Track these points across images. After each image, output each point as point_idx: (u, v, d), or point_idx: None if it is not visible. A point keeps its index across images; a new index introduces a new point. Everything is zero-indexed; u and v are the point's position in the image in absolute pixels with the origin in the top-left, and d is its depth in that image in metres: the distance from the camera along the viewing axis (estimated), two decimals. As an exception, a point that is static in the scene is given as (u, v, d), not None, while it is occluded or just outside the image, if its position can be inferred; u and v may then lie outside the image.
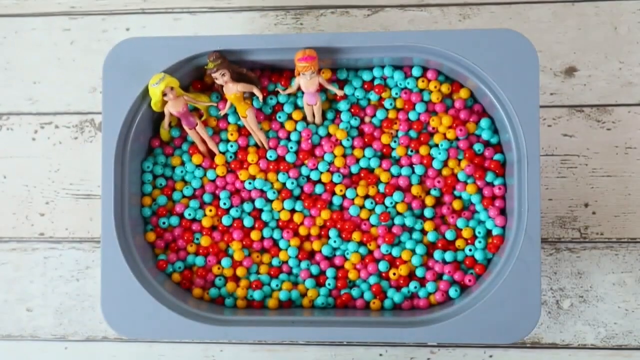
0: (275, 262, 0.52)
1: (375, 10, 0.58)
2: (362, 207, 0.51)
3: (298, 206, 0.51)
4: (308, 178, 0.52)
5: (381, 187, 0.51)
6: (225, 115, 0.52)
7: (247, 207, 0.52)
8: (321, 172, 0.52)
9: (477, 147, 0.51)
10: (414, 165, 0.52)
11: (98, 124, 0.59)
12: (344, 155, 0.52)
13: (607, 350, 0.56)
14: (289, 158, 0.52)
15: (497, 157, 0.51)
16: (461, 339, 0.47)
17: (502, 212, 0.51)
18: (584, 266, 0.57)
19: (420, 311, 0.50)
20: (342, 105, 0.52)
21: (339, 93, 0.50)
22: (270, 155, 0.52)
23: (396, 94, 0.52)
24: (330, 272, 0.51)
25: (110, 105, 0.48)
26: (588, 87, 0.57)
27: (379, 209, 0.51)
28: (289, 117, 0.52)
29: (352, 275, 0.51)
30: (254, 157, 0.52)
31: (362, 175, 0.52)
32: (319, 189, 0.52)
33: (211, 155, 0.53)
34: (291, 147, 0.52)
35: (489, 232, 0.51)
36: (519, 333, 0.47)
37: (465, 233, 0.50)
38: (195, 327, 0.47)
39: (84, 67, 0.60)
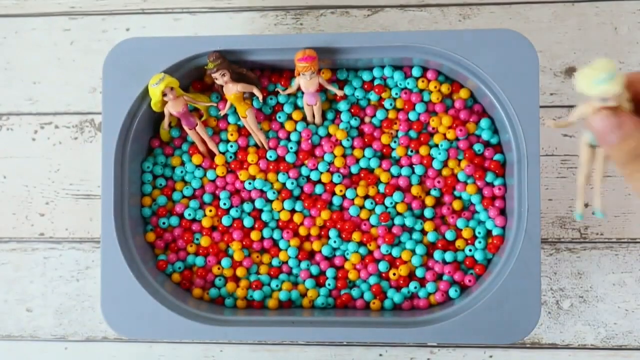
0: (275, 262, 0.52)
1: (375, 10, 0.58)
2: (362, 207, 0.51)
3: (298, 206, 0.51)
4: (308, 178, 0.52)
5: (381, 187, 0.51)
6: (225, 116, 0.52)
7: (247, 207, 0.52)
8: (321, 172, 0.52)
9: (477, 147, 0.51)
10: (414, 166, 0.52)
11: (98, 124, 0.59)
12: (344, 156, 0.52)
13: (607, 350, 0.56)
14: (289, 158, 0.52)
15: (497, 157, 0.50)
16: (461, 339, 0.47)
17: (502, 212, 0.51)
18: (584, 266, 0.57)
19: (420, 311, 0.50)
20: (342, 106, 0.52)
21: (339, 93, 0.50)
22: (270, 155, 0.52)
23: (396, 94, 0.52)
24: (330, 272, 0.51)
25: (110, 106, 0.48)
26: (588, 87, 0.57)
27: (379, 209, 0.51)
28: (289, 117, 0.52)
29: (352, 275, 0.51)
30: (254, 157, 0.52)
31: (362, 175, 0.52)
32: (319, 189, 0.52)
33: (211, 155, 0.53)
34: (291, 147, 0.52)
35: (489, 233, 0.51)
36: (519, 333, 0.47)
37: (465, 233, 0.50)
38: (195, 327, 0.47)
39: (84, 67, 0.59)
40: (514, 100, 0.47)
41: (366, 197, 0.51)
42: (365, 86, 0.52)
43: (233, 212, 0.51)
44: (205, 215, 0.52)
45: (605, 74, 0.28)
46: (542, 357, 0.57)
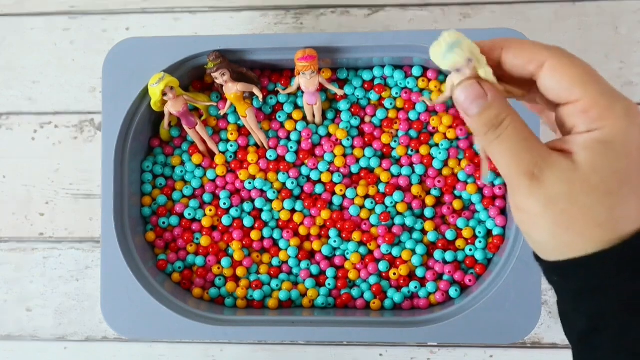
0: (275, 262, 0.52)
1: (376, 9, 0.58)
2: (362, 207, 0.51)
3: (298, 206, 0.51)
4: (308, 178, 0.52)
5: (381, 187, 0.51)
6: (225, 115, 0.52)
7: (247, 207, 0.51)
8: (321, 172, 0.51)
9: (478, 146, 0.51)
10: (414, 165, 0.51)
11: (98, 123, 0.59)
12: (344, 155, 0.52)
13: (608, 350, 0.56)
14: (289, 158, 0.52)
15: (498, 156, 0.50)
16: (461, 339, 0.47)
17: (503, 212, 0.51)
18: (585, 266, 0.57)
19: (420, 311, 0.50)
20: (342, 105, 0.52)
21: (339, 93, 0.50)
22: (270, 155, 0.52)
23: (396, 93, 0.51)
24: (330, 272, 0.51)
25: (110, 105, 0.48)
26: (589, 86, 0.57)
27: (379, 209, 0.51)
28: (289, 116, 0.52)
29: (352, 275, 0.51)
30: (254, 157, 0.52)
31: (362, 175, 0.52)
32: (319, 188, 0.52)
33: (211, 155, 0.52)
34: (291, 147, 0.52)
35: (489, 232, 0.51)
36: (520, 333, 0.46)
37: (466, 233, 0.50)
38: (195, 327, 0.47)
39: (84, 67, 0.59)
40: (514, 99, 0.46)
41: (366, 196, 0.51)
42: (366, 86, 0.52)
43: (233, 212, 0.51)
44: (205, 215, 0.52)
45: (446, 46, 0.27)
46: (543, 357, 0.57)
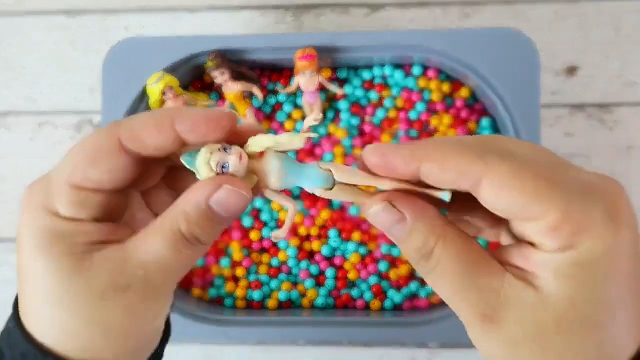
0: (274, 262, 0.52)
1: (376, 9, 0.58)
2: (362, 207, 0.51)
3: (298, 206, 0.51)
4: (308, 178, 0.52)
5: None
6: (225, 115, 0.52)
7: (246, 207, 0.51)
8: (321, 172, 0.51)
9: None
10: (414, 165, 0.51)
11: (97, 124, 0.59)
12: (345, 155, 0.52)
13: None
14: (289, 158, 0.51)
15: (498, 156, 0.50)
16: (462, 339, 0.47)
17: (503, 212, 0.50)
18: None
19: (420, 312, 0.50)
20: (343, 105, 0.52)
21: (339, 92, 0.50)
22: (270, 155, 0.52)
23: (397, 93, 0.51)
24: (330, 273, 0.51)
25: (110, 105, 0.48)
26: (589, 86, 0.57)
27: (379, 209, 0.51)
28: (289, 116, 0.52)
29: (352, 275, 0.51)
30: (253, 156, 0.51)
31: (363, 175, 0.52)
32: (319, 188, 0.51)
33: (211, 155, 0.52)
34: (291, 147, 0.52)
35: (489, 232, 0.51)
36: (520, 334, 0.46)
37: (466, 233, 0.50)
38: (195, 327, 0.47)
39: (83, 67, 0.59)
40: (515, 99, 0.46)
41: (366, 196, 0.51)
42: (366, 85, 0.52)
43: (233, 212, 0.51)
44: (205, 215, 0.51)
45: (187, 155, 0.24)
46: (543, 357, 0.57)
